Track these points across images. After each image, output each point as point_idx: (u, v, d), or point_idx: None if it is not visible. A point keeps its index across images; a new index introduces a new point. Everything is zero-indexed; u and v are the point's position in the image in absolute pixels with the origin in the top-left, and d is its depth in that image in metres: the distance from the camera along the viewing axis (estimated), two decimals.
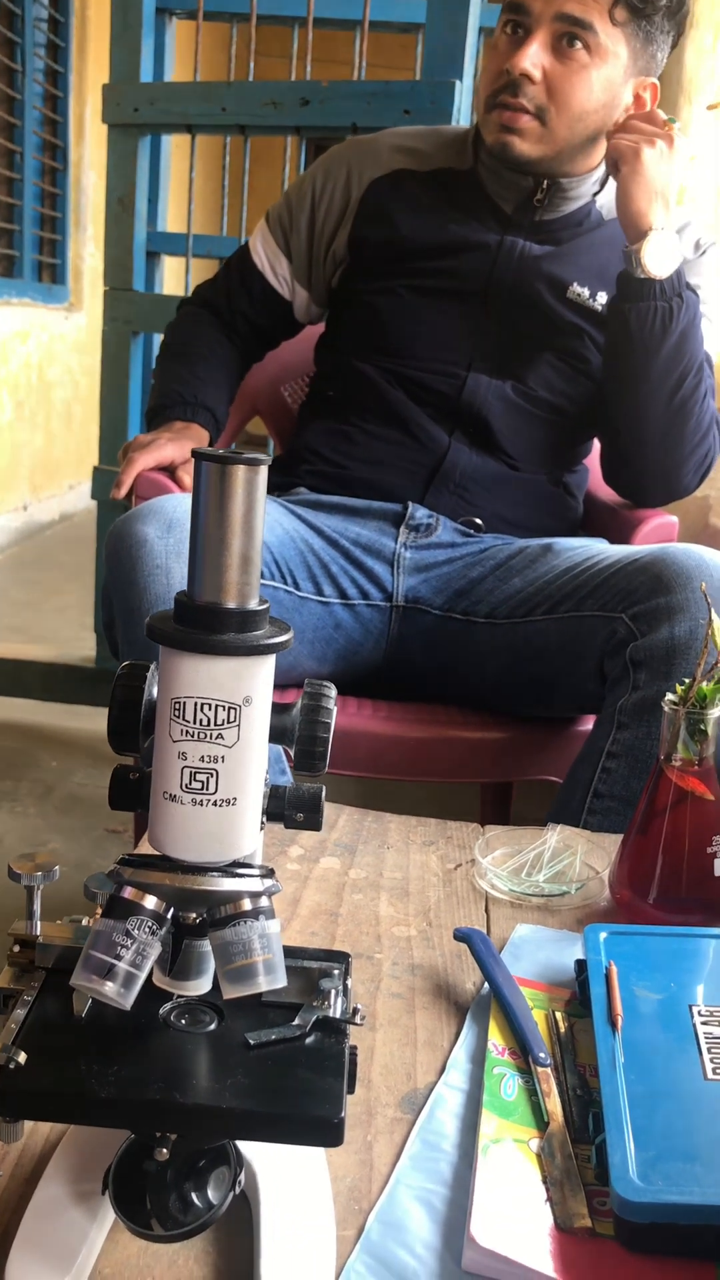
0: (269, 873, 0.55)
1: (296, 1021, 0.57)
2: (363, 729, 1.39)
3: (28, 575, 4.16)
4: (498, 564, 1.43)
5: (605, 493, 1.62)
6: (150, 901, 0.53)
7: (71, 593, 3.76)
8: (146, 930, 0.52)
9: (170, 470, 1.51)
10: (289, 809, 0.59)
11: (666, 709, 0.88)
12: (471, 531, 1.50)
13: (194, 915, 0.54)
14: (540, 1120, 0.65)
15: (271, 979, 0.53)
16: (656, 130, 1.38)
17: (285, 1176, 0.58)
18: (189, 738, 0.52)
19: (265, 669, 0.53)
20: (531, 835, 1.02)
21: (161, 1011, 0.57)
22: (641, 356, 1.39)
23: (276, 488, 1.56)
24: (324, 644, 1.42)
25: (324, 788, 0.60)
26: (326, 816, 0.61)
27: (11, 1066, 0.52)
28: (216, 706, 0.51)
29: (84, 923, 0.60)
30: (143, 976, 0.52)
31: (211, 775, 0.52)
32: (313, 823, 0.59)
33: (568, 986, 0.79)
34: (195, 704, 0.51)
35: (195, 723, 0.52)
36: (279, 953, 0.53)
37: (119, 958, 0.51)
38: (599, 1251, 0.56)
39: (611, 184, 1.55)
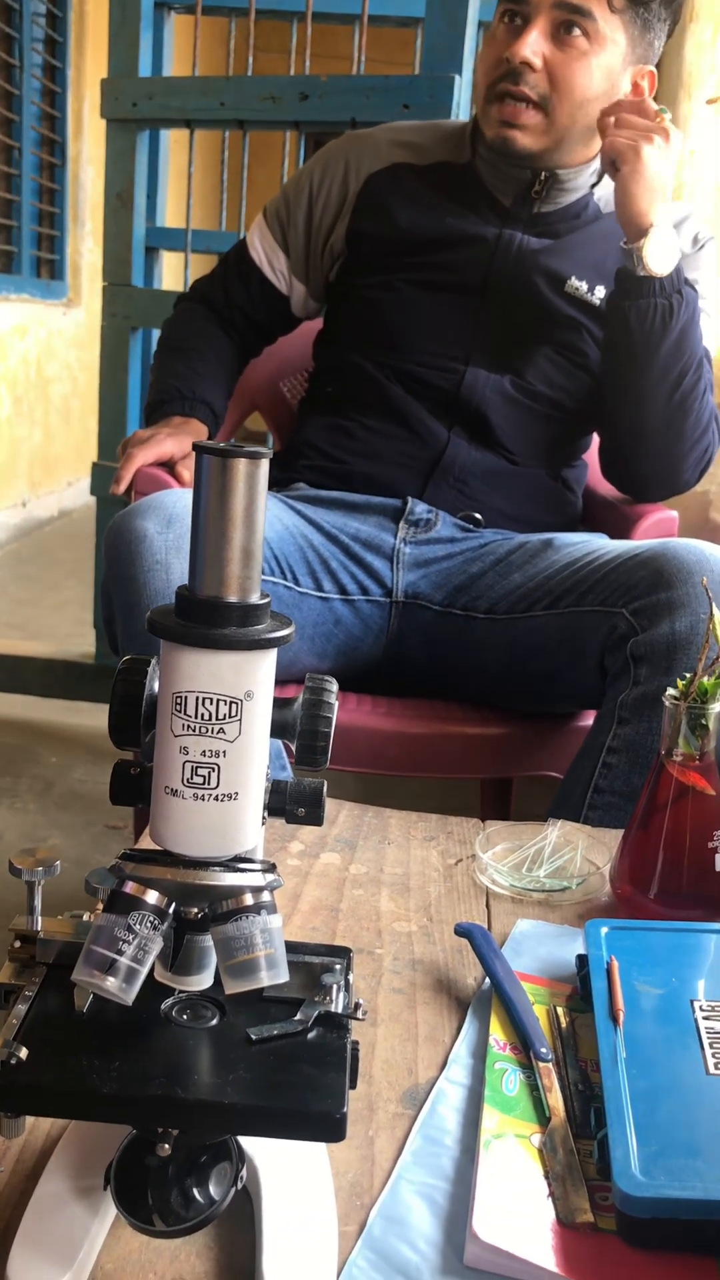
0: (270, 868, 0.55)
1: (298, 1017, 0.57)
2: (363, 725, 1.39)
3: (27, 572, 4.16)
4: (498, 559, 1.43)
5: (605, 488, 1.62)
6: (152, 896, 0.53)
7: (70, 589, 3.76)
8: (148, 925, 0.52)
9: (169, 465, 1.50)
10: (290, 804, 0.59)
11: (667, 704, 0.88)
12: (471, 527, 1.49)
13: (196, 910, 0.54)
14: (542, 1115, 0.65)
15: (273, 974, 0.52)
16: (652, 124, 1.36)
17: (287, 1172, 0.58)
18: (190, 732, 0.52)
19: (267, 663, 0.53)
20: (532, 830, 1.02)
21: (163, 1007, 0.57)
22: (642, 353, 1.39)
23: (276, 483, 1.56)
24: (324, 640, 1.42)
25: (325, 783, 0.60)
26: (327, 812, 0.61)
27: (13, 1062, 0.52)
28: (218, 701, 0.51)
29: (85, 918, 0.60)
30: (144, 971, 0.52)
31: (213, 770, 0.52)
32: (314, 818, 0.59)
33: (569, 982, 0.79)
34: (197, 698, 0.51)
35: (197, 717, 0.51)
36: (281, 948, 0.53)
37: (121, 953, 0.51)
38: (601, 1246, 0.56)
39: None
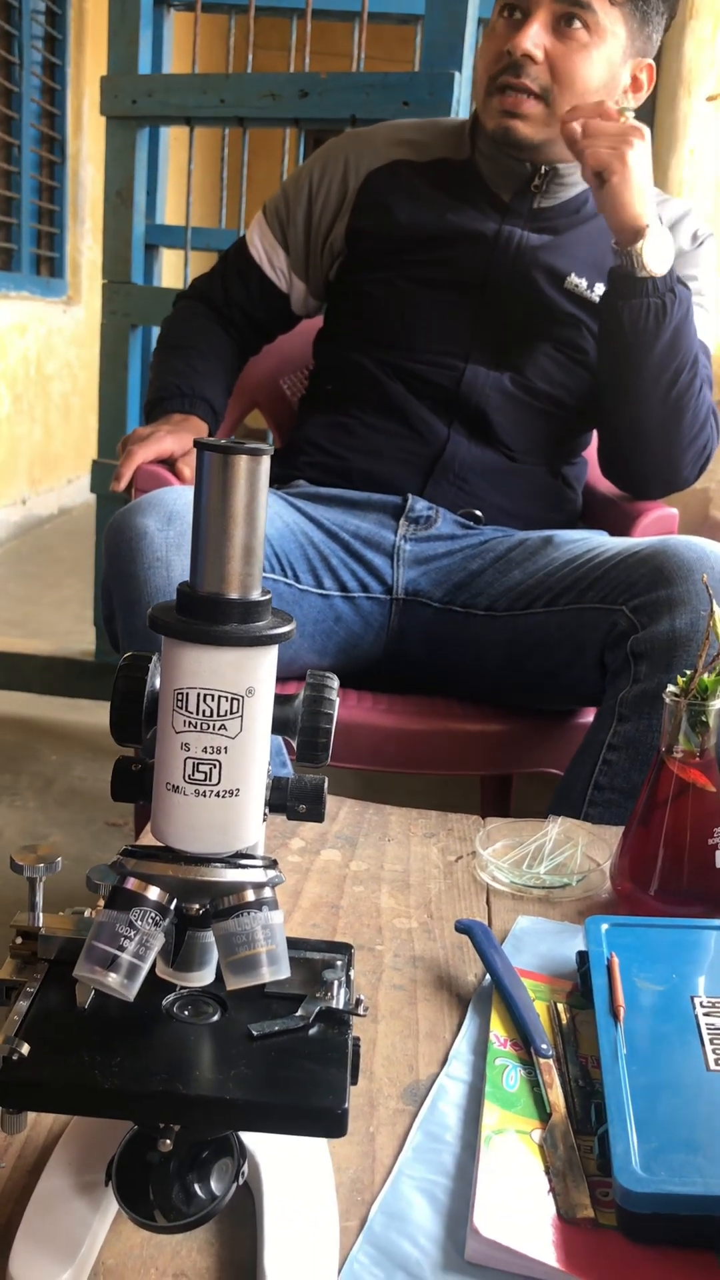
0: (272, 864, 0.55)
1: (299, 1013, 0.57)
2: (363, 722, 1.39)
3: (27, 569, 4.16)
4: (498, 556, 1.43)
5: (605, 485, 1.62)
6: (153, 892, 0.53)
7: (71, 587, 3.76)
8: (150, 921, 0.52)
9: (169, 463, 1.50)
10: (291, 800, 0.59)
11: (668, 701, 0.88)
12: (471, 524, 1.49)
13: (197, 906, 0.54)
14: (542, 1111, 0.65)
15: (274, 970, 0.52)
16: (625, 128, 1.35)
17: (288, 1168, 0.58)
18: (192, 729, 0.52)
19: (268, 660, 0.53)
20: (532, 827, 1.02)
21: (164, 1003, 0.57)
22: (637, 353, 1.39)
23: (276, 480, 1.56)
24: (324, 637, 1.42)
25: (326, 779, 0.60)
26: (328, 809, 0.61)
27: (15, 1058, 0.52)
28: (219, 697, 0.51)
29: (87, 914, 0.60)
30: (146, 968, 0.52)
31: (214, 766, 0.52)
32: (315, 814, 0.59)
33: (569, 978, 0.79)
34: (198, 695, 0.51)
35: (198, 714, 0.51)
36: (282, 944, 0.53)
37: (122, 949, 0.51)
38: (601, 1242, 0.56)
39: None
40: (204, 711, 0.51)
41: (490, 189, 1.52)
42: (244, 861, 0.54)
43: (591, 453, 1.63)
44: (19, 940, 0.59)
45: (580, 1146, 0.62)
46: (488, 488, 1.51)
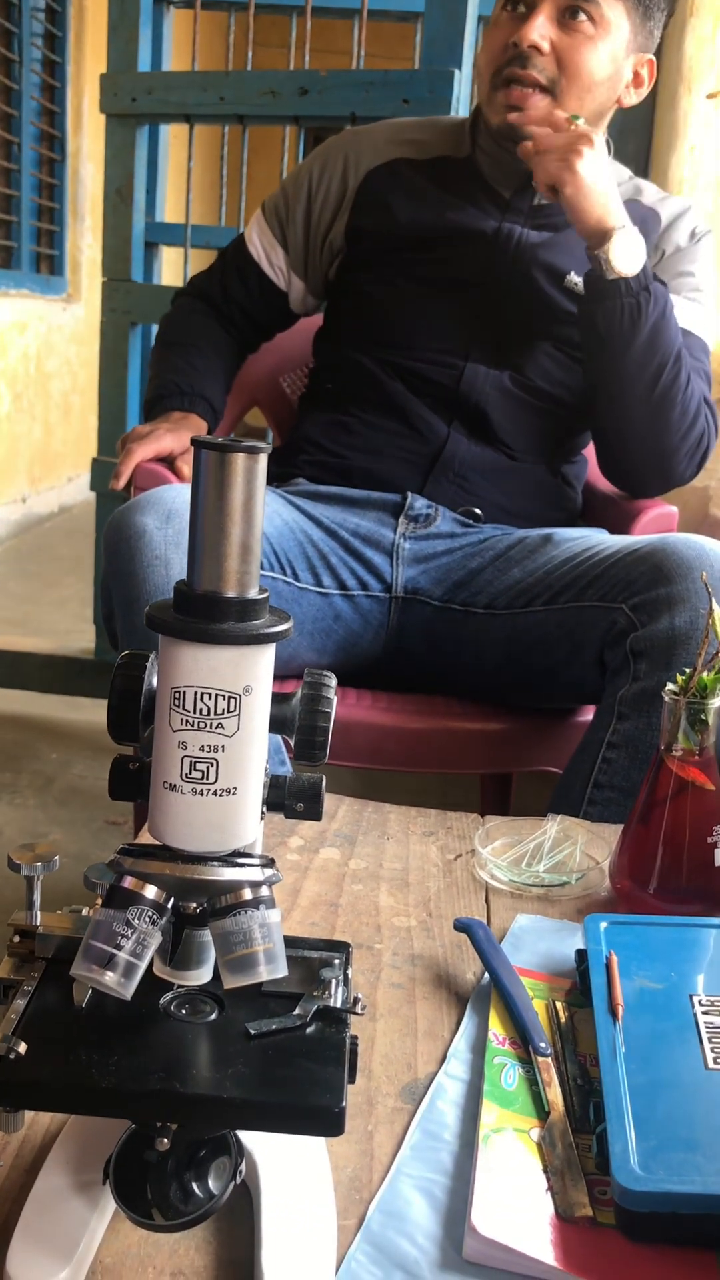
0: (269, 862, 0.55)
1: (297, 1011, 0.57)
2: (362, 720, 1.39)
3: (27, 568, 4.16)
4: (497, 554, 1.43)
5: (604, 483, 1.62)
6: (151, 891, 0.53)
7: (70, 585, 3.76)
8: (147, 920, 0.52)
9: (169, 461, 1.50)
10: (289, 799, 0.59)
11: (667, 699, 0.88)
12: (471, 522, 1.49)
13: (194, 905, 0.54)
14: (541, 1110, 0.65)
15: (272, 969, 0.52)
16: (573, 136, 1.36)
17: (286, 1166, 0.58)
18: (189, 727, 0.52)
19: (265, 658, 0.52)
20: (531, 826, 1.02)
21: (162, 1001, 0.57)
22: (615, 354, 1.39)
23: (275, 478, 1.56)
24: (323, 635, 1.42)
25: (324, 778, 0.60)
26: (326, 807, 0.61)
27: (12, 1057, 0.52)
28: (216, 696, 0.51)
29: (84, 913, 0.60)
30: (143, 966, 0.52)
31: (212, 765, 0.52)
32: (313, 813, 0.59)
33: (568, 976, 0.79)
34: (195, 693, 0.51)
35: (195, 712, 0.51)
36: (279, 942, 0.53)
37: (119, 948, 0.51)
38: (600, 1240, 0.56)
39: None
40: (201, 710, 0.51)
41: (491, 185, 1.52)
42: (241, 860, 0.54)
43: (591, 451, 1.63)
44: (17, 938, 0.59)
45: (579, 1145, 0.62)
46: (487, 486, 1.51)
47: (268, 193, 1.67)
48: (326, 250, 1.60)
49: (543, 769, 1.44)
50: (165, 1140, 0.52)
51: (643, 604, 1.23)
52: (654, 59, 1.48)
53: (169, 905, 0.53)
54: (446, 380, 1.49)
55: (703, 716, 0.87)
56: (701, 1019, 0.69)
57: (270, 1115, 0.53)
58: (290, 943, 0.57)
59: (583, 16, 1.38)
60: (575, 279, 1.48)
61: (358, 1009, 0.57)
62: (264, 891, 0.54)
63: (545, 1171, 0.60)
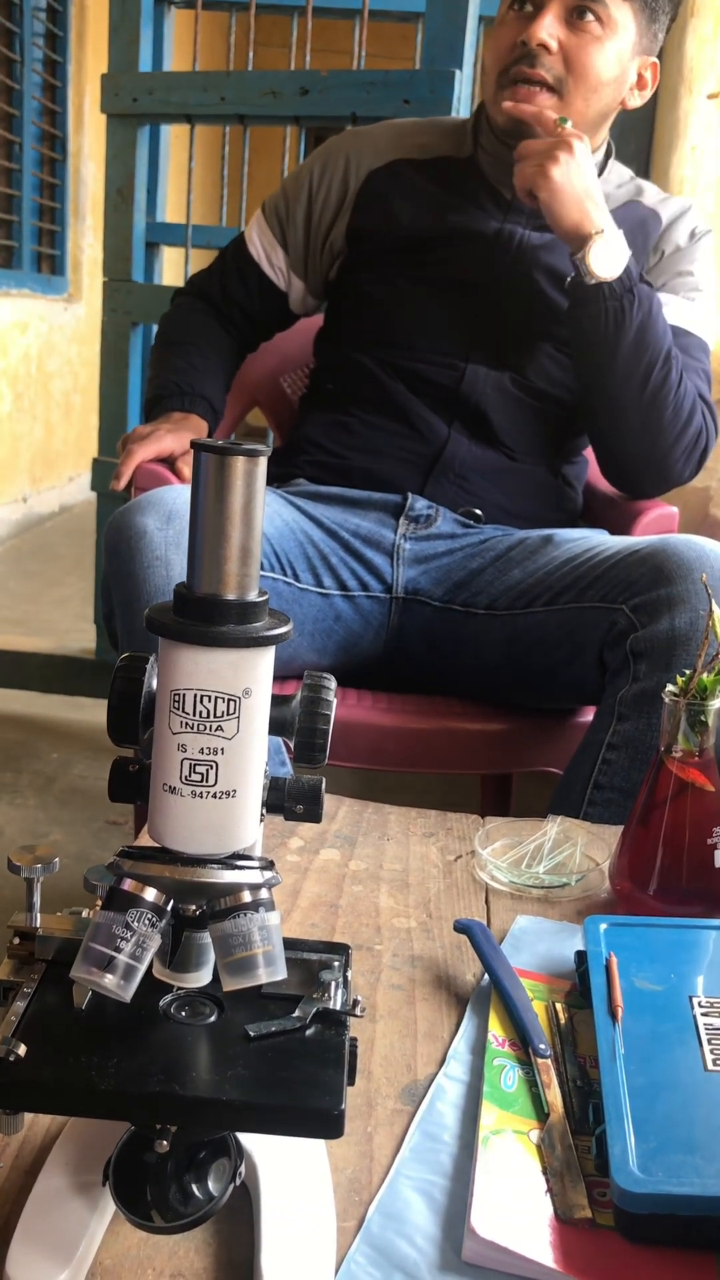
0: (269, 865, 0.55)
1: (296, 1013, 0.57)
2: (362, 721, 1.39)
3: (27, 567, 4.16)
4: (498, 555, 1.43)
5: (605, 484, 1.62)
6: (150, 894, 0.53)
7: (71, 585, 3.76)
8: (146, 922, 0.52)
9: (169, 461, 1.50)
10: (289, 801, 0.59)
11: (667, 700, 0.88)
12: (471, 523, 1.49)
13: (194, 907, 0.54)
14: (540, 1111, 0.65)
15: (271, 971, 0.52)
16: (551, 142, 1.37)
17: (285, 1168, 0.58)
18: (188, 729, 0.52)
19: (265, 661, 0.52)
20: (531, 827, 1.02)
21: (161, 1004, 0.57)
22: (602, 358, 1.39)
23: (276, 479, 1.56)
24: (324, 636, 1.42)
25: (324, 780, 0.60)
26: (326, 808, 0.61)
27: (11, 1059, 0.52)
28: (216, 698, 0.51)
29: (84, 915, 0.60)
30: (142, 969, 0.52)
31: (211, 767, 0.52)
32: (312, 815, 0.59)
33: (568, 978, 0.79)
34: (195, 696, 0.51)
35: (195, 715, 0.51)
36: (279, 944, 0.53)
37: (119, 950, 0.51)
38: (599, 1242, 0.56)
39: (610, 171, 1.55)
40: (200, 712, 0.51)
41: (492, 186, 1.52)
42: (241, 862, 0.54)
43: (592, 452, 1.63)
44: (16, 940, 0.59)
45: (578, 1147, 0.62)
46: (488, 487, 1.51)
47: (268, 193, 1.67)
48: (327, 251, 1.60)
49: (543, 770, 1.44)
50: (165, 1142, 0.52)
51: (643, 605, 1.23)
52: (658, 62, 1.48)
53: (168, 908, 0.53)
54: (447, 381, 1.49)
55: (702, 718, 0.87)
56: (701, 1020, 0.69)
57: (270, 1117, 0.53)
58: (290, 944, 0.57)
59: (591, 17, 1.38)
60: None
61: (357, 1011, 0.57)
62: (263, 894, 0.54)
63: (544, 1173, 0.60)
